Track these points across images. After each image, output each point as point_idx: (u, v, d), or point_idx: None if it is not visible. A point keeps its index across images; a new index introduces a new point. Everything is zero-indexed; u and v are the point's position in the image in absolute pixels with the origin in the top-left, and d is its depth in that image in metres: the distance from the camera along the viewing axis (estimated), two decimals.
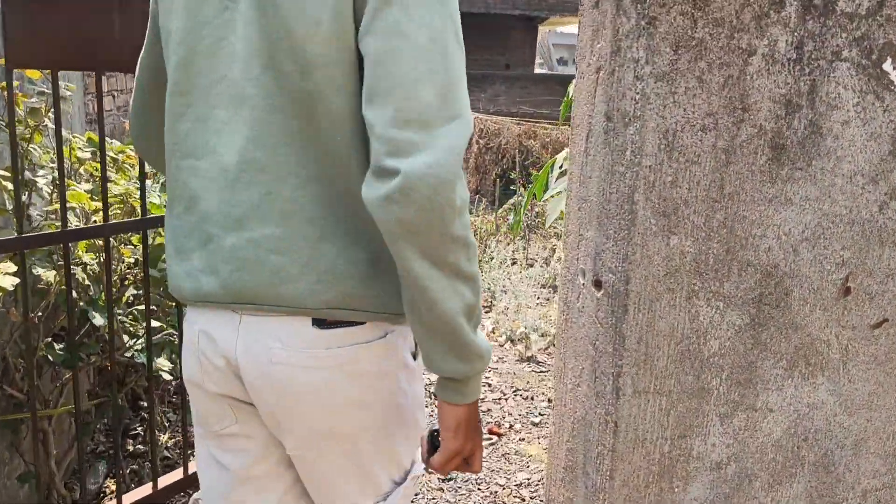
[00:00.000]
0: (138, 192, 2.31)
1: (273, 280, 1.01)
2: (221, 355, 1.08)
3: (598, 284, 1.13)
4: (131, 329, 2.51)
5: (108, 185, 2.52)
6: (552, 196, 1.92)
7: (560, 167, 1.97)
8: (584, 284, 1.18)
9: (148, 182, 2.63)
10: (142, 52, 1.24)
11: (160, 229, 2.54)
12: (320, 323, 1.03)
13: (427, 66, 0.93)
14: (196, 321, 1.11)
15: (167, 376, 2.44)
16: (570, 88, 2.37)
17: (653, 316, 1.06)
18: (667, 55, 1.00)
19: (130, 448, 2.94)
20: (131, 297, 2.67)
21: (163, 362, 2.44)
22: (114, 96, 4.66)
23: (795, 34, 1.01)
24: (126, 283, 2.61)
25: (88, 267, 2.40)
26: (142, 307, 2.52)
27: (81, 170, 2.59)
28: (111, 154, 2.63)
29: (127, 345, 2.48)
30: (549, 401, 3.58)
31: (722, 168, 1.03)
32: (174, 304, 2.65)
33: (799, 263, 1.07)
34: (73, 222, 2.43)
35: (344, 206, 1.02)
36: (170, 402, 3.20)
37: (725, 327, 1.07)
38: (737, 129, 1.02)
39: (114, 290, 2.67)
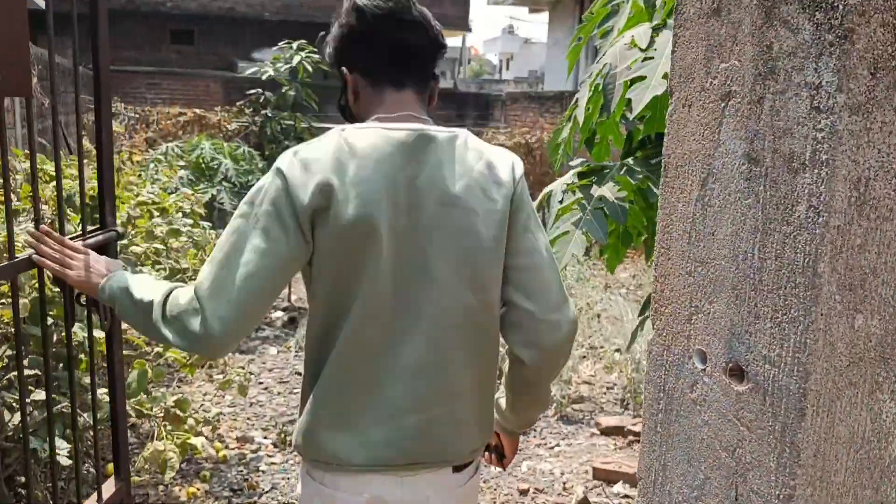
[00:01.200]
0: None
1: (442, 446, 1.33)
2: None
3: (737, 374, 0.87)
4: (13, 403, 2.04)
5: None
6: (556, 237, 1.65)
7: (560, 201, 1.70)
8: (705, 370, 0.92)
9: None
10: (263, 245, 1.21)
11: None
12: (457, 468, 1.35)
13: (552, 267, 1.35)
14: (363, 490, 1.32)
15: (65, 461, 1.98)
16: (567, 123, 2.03)
17: (832, 419, 0.81)
18: (864, 80, 0.75)
19: None
20: (6, 359, 2.20)
21: (59, 444, 1.98)
22: None
23: None
24: None
25: None
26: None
27: None
28: None
29: (9, 422, 2.01)
30: None
31: None
32: (61, 366, 2.21)
33: None
34: None
35: (487, 377, 1.34)
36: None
37: None
38: None
39: None
